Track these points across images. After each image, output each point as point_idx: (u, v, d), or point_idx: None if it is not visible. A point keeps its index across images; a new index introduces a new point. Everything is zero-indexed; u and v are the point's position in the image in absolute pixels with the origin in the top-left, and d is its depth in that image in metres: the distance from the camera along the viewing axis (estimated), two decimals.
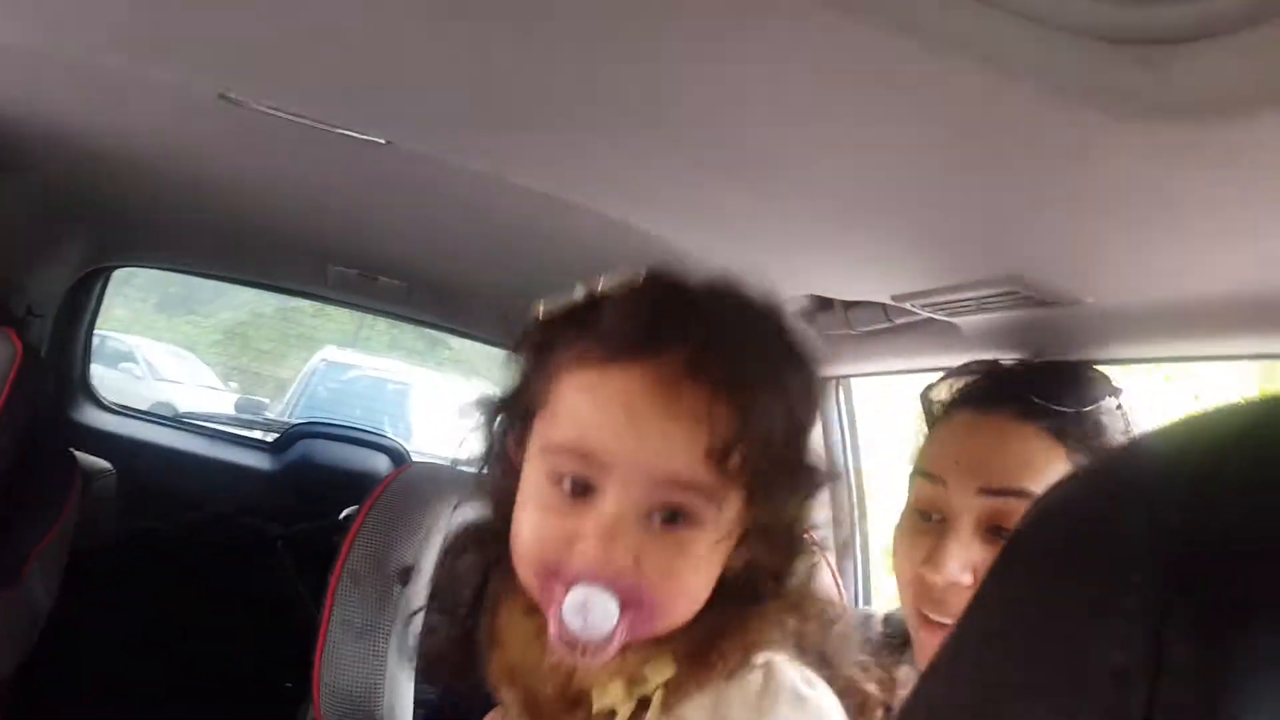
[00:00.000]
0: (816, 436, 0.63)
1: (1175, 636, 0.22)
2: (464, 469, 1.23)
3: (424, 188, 1.34)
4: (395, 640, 0.99)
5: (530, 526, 0.57)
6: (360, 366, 5.12)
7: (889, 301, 1.08)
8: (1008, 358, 0.96)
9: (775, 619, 0.58)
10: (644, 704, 0.56)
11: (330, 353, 5.26)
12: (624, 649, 0.54)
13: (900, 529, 0.86)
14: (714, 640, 0.56)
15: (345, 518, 2.22)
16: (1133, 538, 0.23)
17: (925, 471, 0.83)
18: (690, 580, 0.55)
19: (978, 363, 0.92)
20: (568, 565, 0.54)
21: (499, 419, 0.64)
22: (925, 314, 1.05)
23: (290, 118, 1.03)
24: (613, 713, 0.56)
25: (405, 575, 1.01)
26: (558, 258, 1.57)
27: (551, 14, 0.62)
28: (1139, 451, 0.28)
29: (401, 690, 1.00)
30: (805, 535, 0.61)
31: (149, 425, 2.36)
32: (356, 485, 2.28)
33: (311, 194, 1.54)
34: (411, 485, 1.11)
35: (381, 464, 2.40)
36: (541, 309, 0.63)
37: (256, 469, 2.36)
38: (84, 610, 1.58)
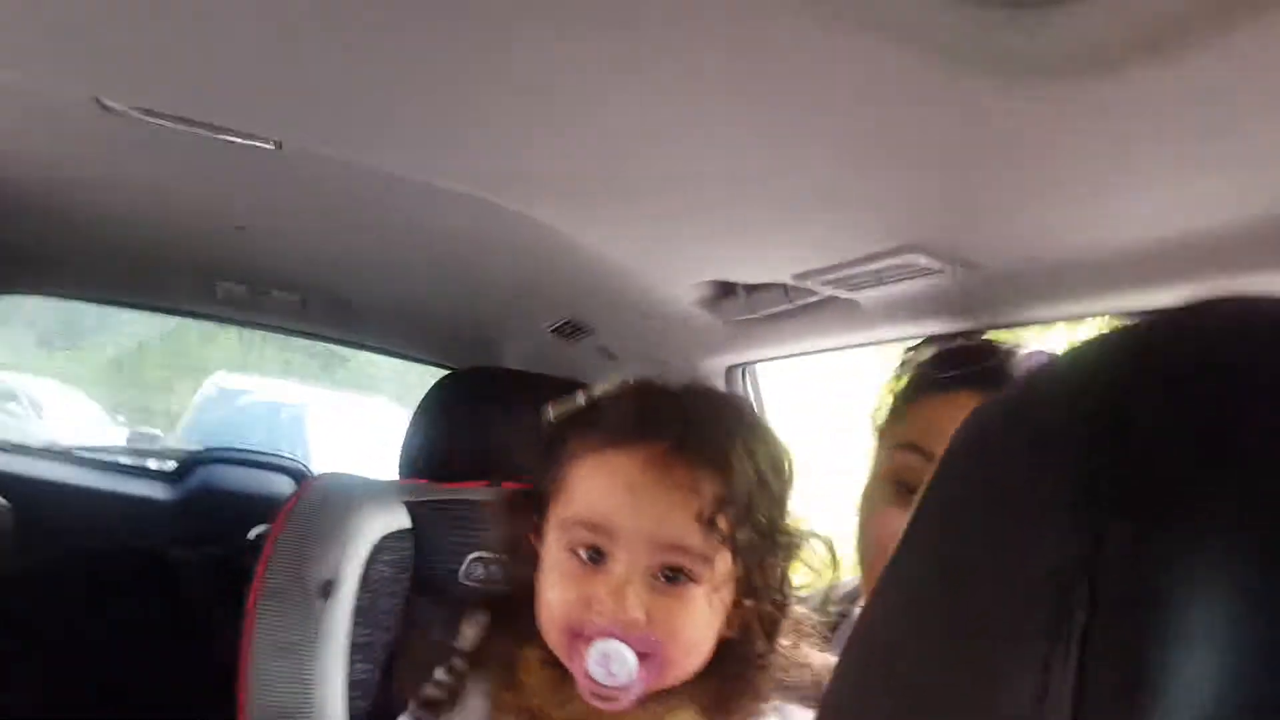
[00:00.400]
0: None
1: (1112, 530, 0.22)
2: (371, 479, 1.21)
3: (317, 194, 1.30)
4: (321, 656, 0.96)
5: (555, 593, 0.67)
6: (253, 391, 4.96)
7: (790, 282, 1.10)
8: (912, 333, 0.98)
9: (775, 675, 0.70)
10: None
11: (221, 378, 5.08)
12: (645, 698, 0.65)
13: (873, 500, 0.85)
14: (728, 692, 0.68)
15: (257, 537, 2.15)
16: (1060, 435, 0.24)
17: (913, 444, 0.82)
18: (693, 631, 0.66)
19: (969, 337, 0.94)
20: (589, 624, 0.64)
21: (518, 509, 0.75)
22: (827, 292, 1.07)
23: (172, 124, 0.98)
24: None
25: (326, 589, 0.98)
26: (460, 259, 1.55)
27: (432, 6, 0.61)
28: (1061, 361, 0.29)
29: (331, 707, 0.97)
30: (790, 595, 0.72)
31: (41, 462, 2.23)
32: (261, 508, 2.20)
33: (197, 205, 1.48)
34: (323, 497, 1.08)
35: (284, 485, 2.33)
36: (552, 412, 0.74)
37: (157, 499, 2.25)
38: None
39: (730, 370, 1.50)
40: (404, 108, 0.86)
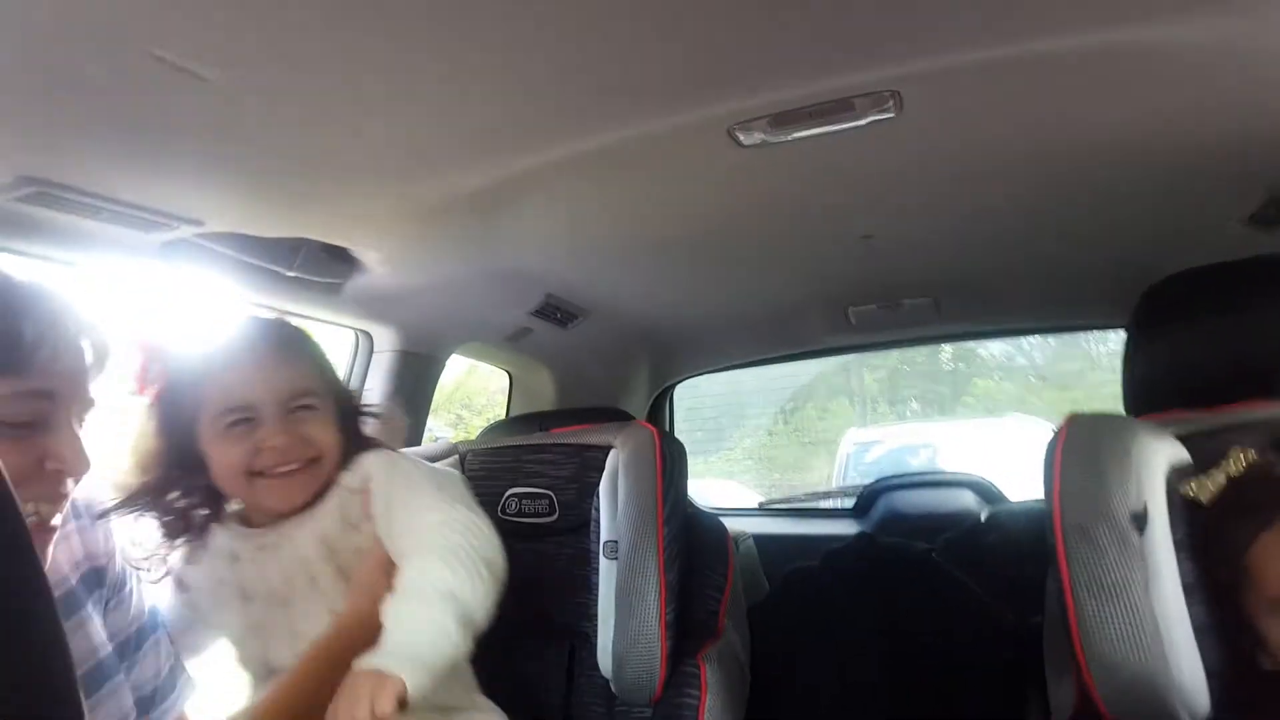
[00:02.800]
0: None
1: None
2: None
3: (937, 172, 1.26)
4: (1153, 594, 0.84)
5: None
6: (883, 440, 5.11)
7: None
8: None
9: None
10: None
11: (854, 434, 5.33)
12: None
13: None
14: None
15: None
16: None
17: None
18: None
19: None
20: None
21: None
22: None
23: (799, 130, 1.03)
24: None
25: (1140, 520, 0.86)
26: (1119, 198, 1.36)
27: None
28: None
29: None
30: None
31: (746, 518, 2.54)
32: (948, 525, 2.18)
33: (823, 221, 1.54)
34: (1092, 430, 0.97)
35: (968, 500, 2.27)
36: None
37: (846, 536, 2.36)
38: None
39: None
40: None
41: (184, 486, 1.00)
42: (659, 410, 2.49)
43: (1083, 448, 0.92)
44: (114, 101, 0.84)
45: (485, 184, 1.15)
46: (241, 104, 0.87)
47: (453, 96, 0.92)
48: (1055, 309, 2.13)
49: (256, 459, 0.96)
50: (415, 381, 1.74)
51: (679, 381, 2.53)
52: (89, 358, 0.88)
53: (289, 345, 1.03)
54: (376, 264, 1.37)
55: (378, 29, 0.77)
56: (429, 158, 1.07)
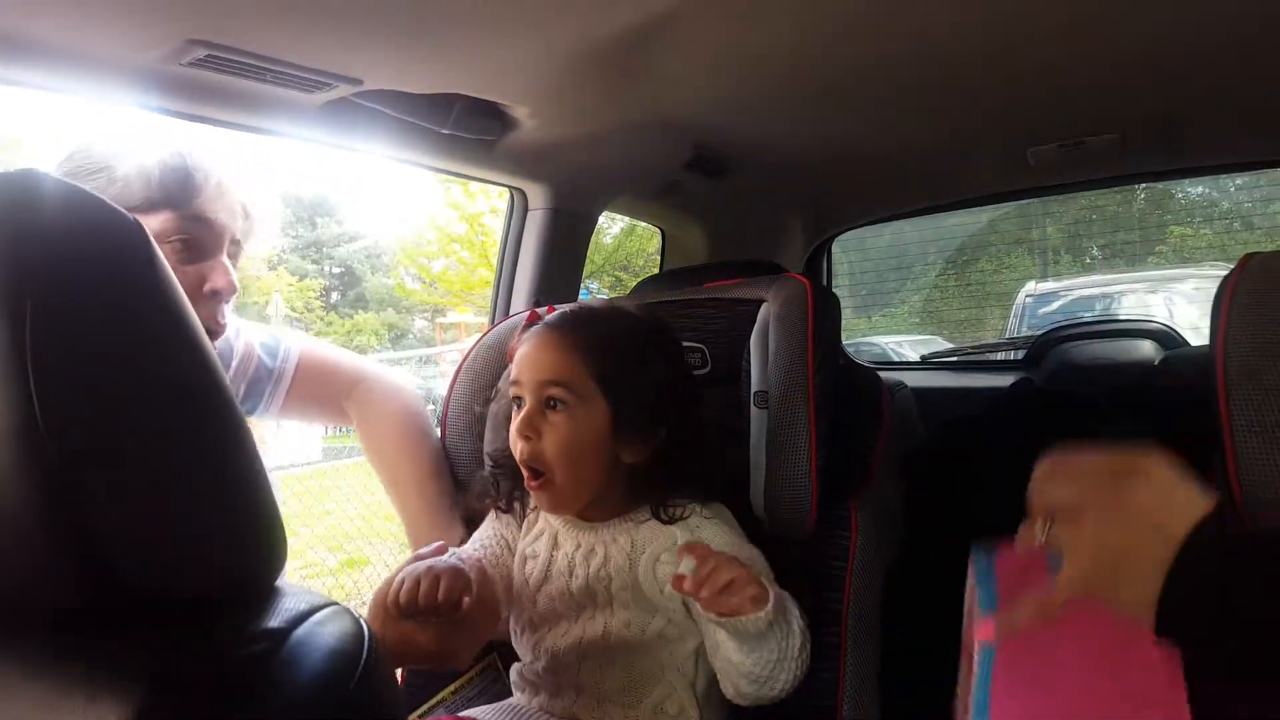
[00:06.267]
0: None
1: None
2: None
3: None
4: None
5: None
6: (1062, 294, 4.80)
7: None
8: None
9: None
10: None
11: (1031, 287, 5.04)
12: None
13: None
14: None
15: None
16: None
17: None
18: None
19: None
20: None
21: None
22: None
23: None
24: None
25: None
26: None
27: None
28: None
29: None
30: None
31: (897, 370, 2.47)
32: (1126, 376, 2.04)
33: (1002, 53, 1.40)
34: (1267, 271, 0.89)
35: (1147, 350, 2.11)
36: None
37: None
38: None
39: None
40: None
41: None
42: (816, 264, 2.43)
43: (1257, 286, 0.85)
44: None
45: (628, 25, 1.12)
46: None
47: None
48: (1261, 142, 1.89)
49: None
50: (568, 239, 1.77)
51: (838, 234, 2.44)
52: (244, 212, 1.13)
53: None
54: (527, 118, 1.38)
55: None
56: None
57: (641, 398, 1.00)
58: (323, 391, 1.34)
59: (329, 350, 1.37)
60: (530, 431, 0.99)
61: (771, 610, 0.88)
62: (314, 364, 1.33)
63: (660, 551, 1.00)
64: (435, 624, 0.90)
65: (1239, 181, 5.98)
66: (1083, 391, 1.94)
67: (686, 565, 0.88)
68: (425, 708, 1.16)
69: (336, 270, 21.19)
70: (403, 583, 0.88)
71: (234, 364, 1.27)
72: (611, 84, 1.33)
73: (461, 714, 1.07)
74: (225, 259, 1.12)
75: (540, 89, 1.30)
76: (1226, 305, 0.87)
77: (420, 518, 1.28)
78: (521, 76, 1.25)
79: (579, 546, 1.04)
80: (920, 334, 8.04)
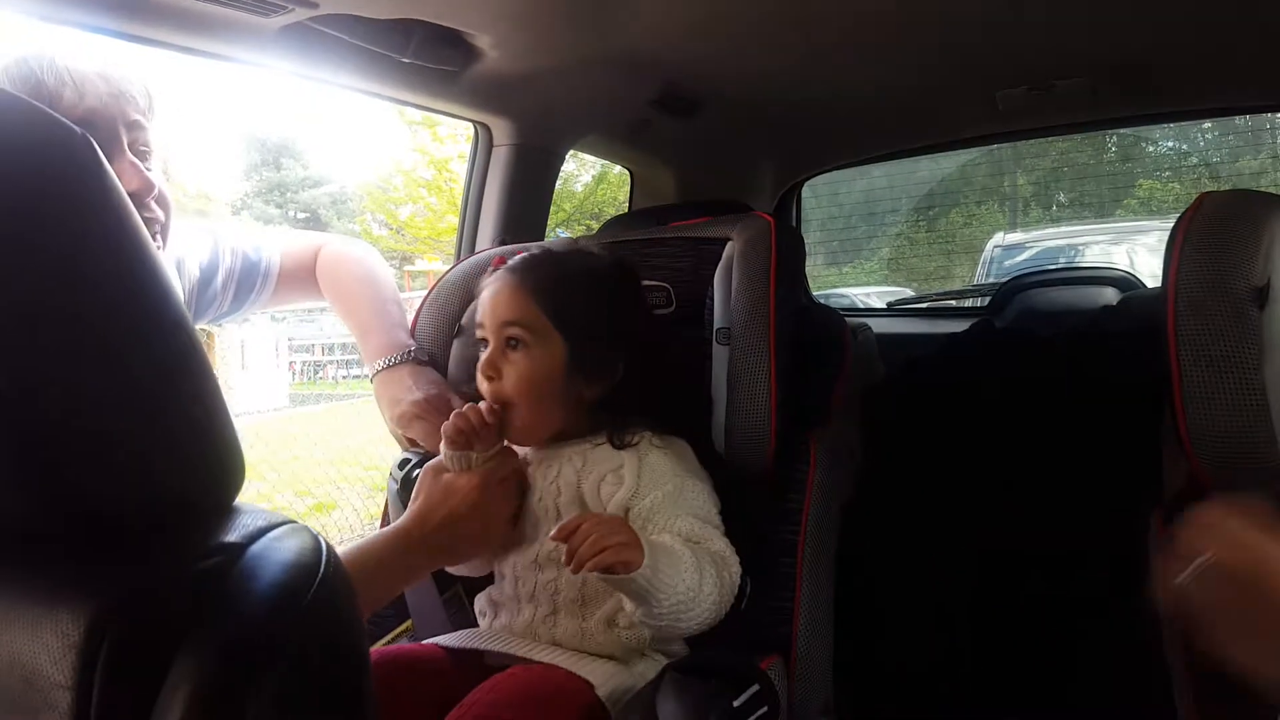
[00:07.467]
0: None
1: None
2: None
3: None
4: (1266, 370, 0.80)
5: None
6: (1030, 245, 4.84)
7: None
8: None
9: None
10: None
11: (999, 239, 5.08)
12: None
13: None
14: None
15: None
16: None
17: None
18: None
19: None
20: None
21: None
22: None
23: None
24: None
25: (1261, 296, 0.81)
26: None
27: None
28: None
29: None
30: None
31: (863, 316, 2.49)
32: (1086, 321, 2.06)
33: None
34: (1220, 210, 0.90)
35: (1109, 296, 2.14)
36: None
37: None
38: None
39: None
40: None
41: None
42: (785, 209, 2.42)
43: (1209, 223, 0.88)
44: None
45: None
46: None
47: None
48: (1230, 89, 1.90)
49: None
50: (534, 177, 1.75)
51: (808, 178, 2.44)
52: (126, 94, 1.04)
53: None
54: (490, 49, 1.35)
55: None
56: None
57: (597, 334, 1.05)
58: (303, 275, 1.41)
59: (300, 237, 1.44)
60: (492, 371, 1.05)
61: (650, 566, 0.89)
62: (292, 254, 1.40)
63: (606, 473, 1.05)
64: (475, 469, 1.04)
65: (1209, 136, 6.03)
66: (1041, 331, 1.97)
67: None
68: (390, 636, 1.18)
69: (302, 216, 20.80)
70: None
71: (221, 270, 1.31)
72: (576, 13, 1.31)
73: (425, 641, 1.09)
74: (130, 156, 1.04)
75: (503, 17, 1.28)
76: (1179, 243, 0.89)
77: (377, 335, 1.31)
78: (483, 2, 1.23)
79: (541, 463, 1.09)
80: (890, 285, 8.08)
